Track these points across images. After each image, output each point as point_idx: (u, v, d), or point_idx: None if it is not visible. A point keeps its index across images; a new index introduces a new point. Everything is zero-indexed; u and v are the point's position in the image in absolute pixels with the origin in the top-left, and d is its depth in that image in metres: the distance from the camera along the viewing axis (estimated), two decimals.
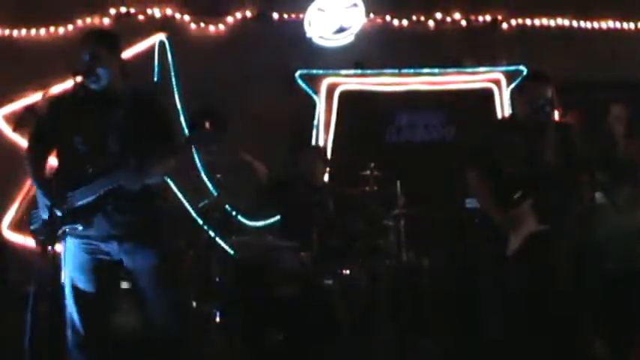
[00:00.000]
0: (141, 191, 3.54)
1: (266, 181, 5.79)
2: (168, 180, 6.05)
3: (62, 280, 3.68)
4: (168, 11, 6.99)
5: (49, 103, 3.82)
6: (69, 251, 3.61)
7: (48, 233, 3.38)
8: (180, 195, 6.48)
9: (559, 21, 7.40)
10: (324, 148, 6.72)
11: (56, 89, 6.34)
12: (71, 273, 3.63)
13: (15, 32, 6.77)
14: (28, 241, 6.41)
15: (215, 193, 5.96)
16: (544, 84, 4.27)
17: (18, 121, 6.25)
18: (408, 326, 5.57)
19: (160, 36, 6.86)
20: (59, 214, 3.47)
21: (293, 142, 6.48)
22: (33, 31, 6.79)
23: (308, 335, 4.80)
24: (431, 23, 7.31)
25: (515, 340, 4.18)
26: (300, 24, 7.04)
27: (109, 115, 3.60)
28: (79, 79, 3.49)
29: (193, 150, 5.76)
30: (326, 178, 6.65)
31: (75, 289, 3.62)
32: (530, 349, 4.16)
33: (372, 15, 7.16)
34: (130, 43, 6.80)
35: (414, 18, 7.29)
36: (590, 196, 5.01)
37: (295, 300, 4.89)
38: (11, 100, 6.56)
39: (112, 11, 6.90)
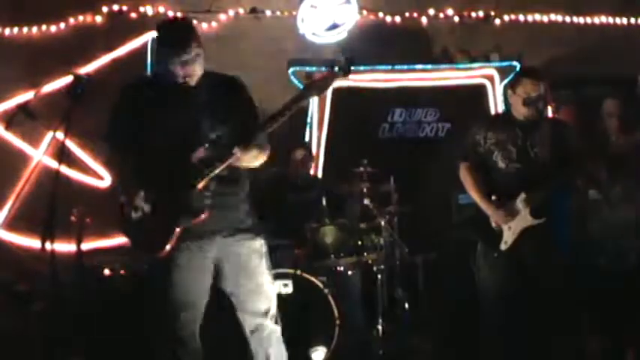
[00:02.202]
0: None
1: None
2: None
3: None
4: (161, 9, 6.97)
5: (123, 94, 3.62)
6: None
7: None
8: None
9: (552, 16, 7.40)
10: (309, 143, 6.72)
11: (48, 87, 6.34)
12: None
13: (7, 30, 6.75)
14: (21, 240, 6.43)
15: None
16: (537, 80, 4.28)
17: (10, 119, 6.27)
18: (402, 323, 5.58)
19: (153, 34, 6.83)
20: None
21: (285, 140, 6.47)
22: (25, 30, 6.77)
23: (302, 333, 4.80)
24: (424, 19, 7.30)
25: (511, 334, 4.20)
26: (292, 21, 7.03)
27: (195, 99, 3.49)
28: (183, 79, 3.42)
29: None
30: (319, 174, 6.66)
31: None
32: (524, 343, 4.18)
33: (364, 12, 7.16)
34: (123, 41, 6.80)
35: (407, 14, 7.28)
36: (583, 192, 5.03)
37: (290, 298, 4.89)
38: (3, 99, 6.53)
39: (105, 9, 6.88)
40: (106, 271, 5.79)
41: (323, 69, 3.52)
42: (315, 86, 3.44)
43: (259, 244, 3.62)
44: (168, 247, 3.34)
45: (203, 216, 3.35)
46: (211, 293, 3.58)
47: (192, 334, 3.54)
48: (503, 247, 4.23)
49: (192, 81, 3.45)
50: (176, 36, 3.41)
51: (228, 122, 3.46)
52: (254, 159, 3.52)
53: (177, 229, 3.34)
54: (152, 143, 3.47)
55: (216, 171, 3.34)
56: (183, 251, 3.44)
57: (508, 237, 4.21)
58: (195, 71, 3.44)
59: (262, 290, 3.59)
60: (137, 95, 3.58)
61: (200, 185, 3.35)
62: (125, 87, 3.65)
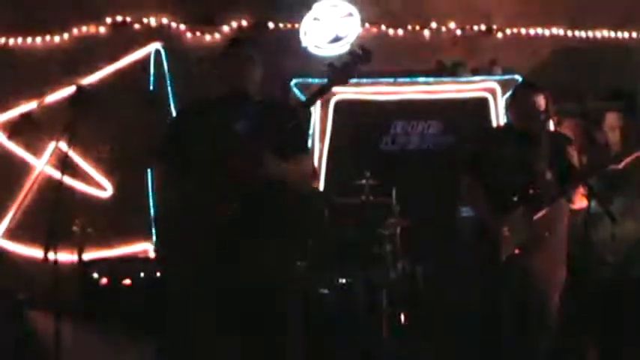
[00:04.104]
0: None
1: None
2: None
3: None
4: (164, 20, 7.00)
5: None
6: None
7: None
8: None
9: (553, 30, 7.42)
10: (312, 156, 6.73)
11: (52, 97, 6.37)
12: None
13: (11, 40, 6.77)
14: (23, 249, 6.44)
15: None
16: (536, 93, 4.29)
17: (13, 129, 6.30)
18: (404, 334, 5.58)
19: (156, 45, 6.87)
20: None
21: None
22: (29, 40, 6.79)
23: (305, 345, 4.80)
24: (426, 32, 7.32)
25: (509, 344, 4.20)
26: (295, 33, 7.05)
27: (240, 106, 3.57)
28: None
29: None
30: (321, 187, 6.66)
31: None
32: (526, 354, 4.18)
33: (367, 24, 7.18)
34: (126, 51, 6.82)
35: (409, 27, 7.30)
36: (584, 206, 5.03)
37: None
38: (7, 108, 6.55)
39: (108, 20, 6.91)
40: (104, 280, 5.81)
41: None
42: (340, 72, 3.45)
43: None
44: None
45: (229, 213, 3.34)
46: None
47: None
48: (502, 259, 4.23)
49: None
50: None
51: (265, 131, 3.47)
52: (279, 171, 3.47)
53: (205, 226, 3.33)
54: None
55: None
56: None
57: (508, 249, 4.22)
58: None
59: None
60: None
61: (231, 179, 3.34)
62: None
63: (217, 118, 3.53)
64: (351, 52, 3.50)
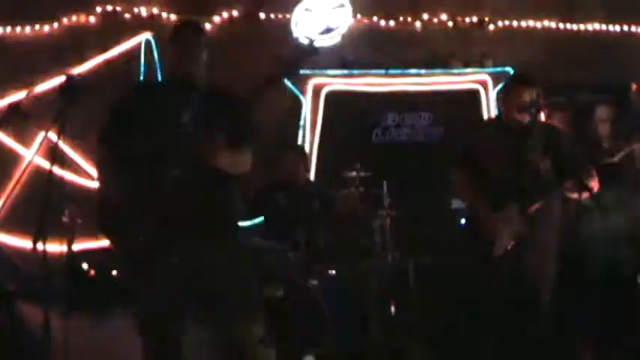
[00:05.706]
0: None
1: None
2: None
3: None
4: (155, 10, 6.96)
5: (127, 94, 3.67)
6: None
7: None
8: None
9: (545, 23, 7.43)
10: (302, 146, 6.72)
11: (41, 87, 6.33)
12: None
13: (0, 30, 6.72)
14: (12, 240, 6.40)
15: None
16: (529, 86, 4.29)
17: (2, 119, 6.24)
18: (394, 327, 5.58)
19: (146, 35, 6.83)
20: None
21: (279, 142, 6.45)
22: (18, 29, 6.73)
23: (294, 337, 4.80)
24: (418, 24, 7.32)
25: (503, 341, 4.21)
26: (287, 24, 7.02)
27: (185, 96, 3.51)
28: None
29: None
30: (312, 177, 6.64)
31: None
32: (518, 350, 4.18)
33: (359, 15, 7.16)
34: (116, 41, 6.78)
35: (401, 19, 7.30)
36: (576, 199, 5.04)
37: (281, 301, 4.88)
38: None
39: (99, 9, 6.86)
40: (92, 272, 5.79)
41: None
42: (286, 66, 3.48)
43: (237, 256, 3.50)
44: (142, 238, 3.30)
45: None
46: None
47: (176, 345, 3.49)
48: (496, 253, 4.23)
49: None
50: None
51: (209, 122, 3.44)
52: (228, 162, 3.44)
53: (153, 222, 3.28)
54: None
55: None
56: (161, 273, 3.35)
57: (501, 243, 4.21)
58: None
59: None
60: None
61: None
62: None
63: (163, 107, 3.47)
64: (298, 47, 3.53)
